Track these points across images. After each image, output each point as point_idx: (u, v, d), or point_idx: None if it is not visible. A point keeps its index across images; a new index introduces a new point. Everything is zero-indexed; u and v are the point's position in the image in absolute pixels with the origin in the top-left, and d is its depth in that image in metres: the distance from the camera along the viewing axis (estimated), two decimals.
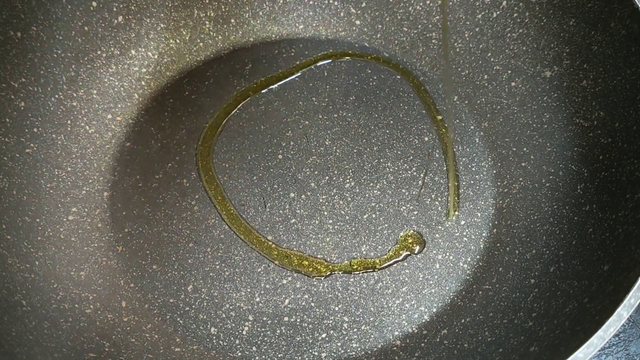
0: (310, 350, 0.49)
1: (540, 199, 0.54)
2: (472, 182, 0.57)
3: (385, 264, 0.53)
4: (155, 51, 0.64)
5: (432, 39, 0.65)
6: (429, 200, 0.56)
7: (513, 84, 0.60)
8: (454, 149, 0.59)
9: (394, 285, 0.52)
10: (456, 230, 0.55)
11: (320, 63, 0.65)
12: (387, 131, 0.61)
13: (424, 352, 0.48)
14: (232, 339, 0.50)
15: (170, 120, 0.62)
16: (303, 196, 0.57)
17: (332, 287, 0.52)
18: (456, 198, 0.56)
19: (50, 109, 0.57)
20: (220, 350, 0.49)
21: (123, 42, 0.62)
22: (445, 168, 0.58)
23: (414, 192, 0.57)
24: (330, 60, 0.65)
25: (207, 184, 0.58)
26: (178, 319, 0.51)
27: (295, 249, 0.54)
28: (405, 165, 0.59)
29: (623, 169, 0.48)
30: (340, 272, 0.53)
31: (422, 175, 0.58)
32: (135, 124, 0.61)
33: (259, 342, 0.50)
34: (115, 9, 0.61)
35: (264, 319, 0.51)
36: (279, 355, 0.49)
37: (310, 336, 0.50)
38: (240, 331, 0.50)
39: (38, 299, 0.47)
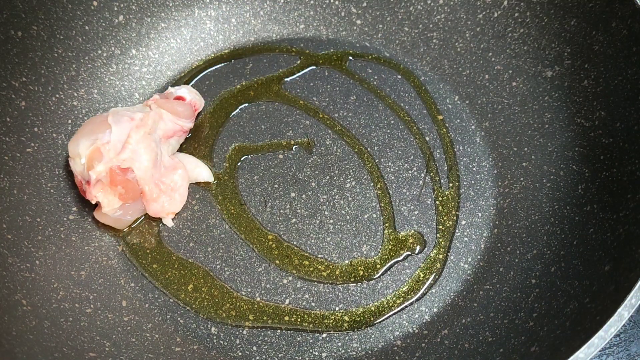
0: (311, 350, 0.49)
1: (541, 199, 0.54)
2: (472, 182, 0.57)
3: (386, 264, 0.53)
4: (156, 50, 0.64)
5: (433, 39, 0.65)
6: (430, 200, 0.56)
7: (514, 83, 0.60)
8: (455, 149, 0.59)
9: (394, 285, 0.52)
10: (457, 230, 0.55)
11: (321, 63, 0.65)
12: (388, 131, 0.61)
13: (425, 352, 0.48)
14: (232, 338, 0.50)
15: None
16: (304, 196, 0.57)
17: (333, 287, 0.52)
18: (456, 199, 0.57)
19: (51, 109, 0.57)
20: (221, 350, 0.49)
21: (124, 42, 0.62)
22: (446, 168, 0.58)
23: (414, 192, 0.57)
24: (331, 60, 0.65)
25: (208, 184, 0.58)
26: (178, 319, 0.50)
27: (296, 248, 0.54)
28: (406, 165, 0.58)
29: (624, 169, 0.48)
30: (340, 272, 0.53)
31: (422, 175, 0.58)
32: None
33: (259, 342, 0.50)
34: (115, 9, 0.61)
35: (265, 318, 0.51)
36: (280, 355, 0.49)
37: (311, 336, 0.50)
38: (240, 331, 0.50)
39: (38, 299, 0.47)
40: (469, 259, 0.53)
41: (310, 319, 0.51)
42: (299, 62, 0.65)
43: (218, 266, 0.53)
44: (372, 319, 0.50)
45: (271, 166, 0.59)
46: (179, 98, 0.57)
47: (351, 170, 0.58)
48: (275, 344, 0.49)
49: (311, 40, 0.67)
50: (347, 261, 0.53)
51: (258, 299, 0.52)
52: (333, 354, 0.49)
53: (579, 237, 0.49)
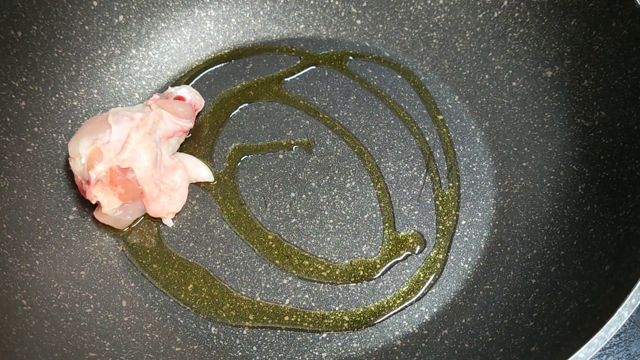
0: (311, 350, 0.49)
1: (541, 199, 0.54)
2: (473, 182, 0.57)
3: (386, 264, 0.53)
4: (156, 50, 0.64)
5: (433, 39, 0.65)
6: (430, 200, 0.56)
7: (514, 83, 0.60)
8: (455, 149, 0.59)
9: (394, 285, 0.52)
10: (457, 230, 0.55)
11: (321, 63, 0.65)
12: (388, 131, 0.61)
13: (425, 352, 0.48)
14: (232, 338, 0.50)
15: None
16: (304, 196, 0.57)
17: (333, 287, 0.52)
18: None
19: (51, 109, 0.57)
20: (221, 350, 0.49)
21: (124, 42, 0.62)
22: (446, 168, 0.58)
23: (414, 192, 0.57)
24: (331, 60, 0.65)
25: (208, 184, 0.58)
26: (178, 319, 0.50)
27: (296, 248, 0.54)
28: (406, 165, 0.58)
29: (624, 169, 0.48)
30: (340, 272, 0.53)
31: (422, 175, 0.58)
32: None
33: (259, 341, 0.50)
34: (115, 9, 0.61)
35: (265, 318, 0.51)
36: (280, 355, 0.49)
37: (311, 336, 0.50)
38: (240, 331, 0.50)
39: (38, 299, 0.47)
40: (469, 259, 0.53)
41: (310, 319, 0.51)
42: (299, 62, 0.65)
43: (218, 266, 0.53)
44: (372, 319, 0.50)
45: (271, 166, 0.59)
46: (179, 98, 0.57)
47: (351, 170, 0.58)
48: (275, 344, 0.49)
49: (311, 40, 0.67)
50: (347, 261, 0.53)
51: (258, 299, 0.52)
52: (333, 354, 0.49)
53: (579, 237, 0.49)
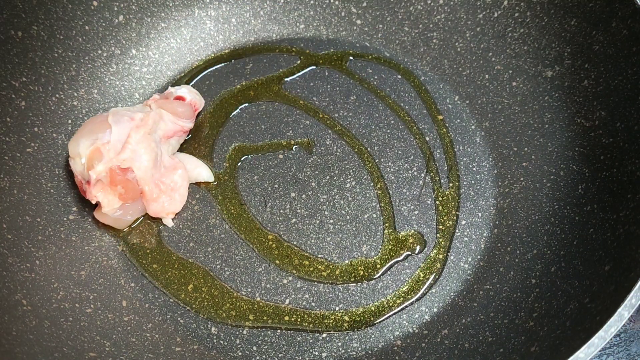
0: (311, 350, 0.49)
1: (542, 199, 0.54)
2: (473, 182, 0.57)
3: (386, 264, 0.53)
4: (156, 50, 0.64)
5: (433, 39, 0.65)
6: (430, 200, 0.56)
7: (514, 83, 0.60)
8: (455, 149, 0.59)
9: (394, 285, 0.52)
10: (457, 230, 0.55)
11: (321, 63, 0.65)
12: (388, 131, 0.61)
13: (425, 352, 0.48)
14: (232, 338, 0.50)
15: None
16: (304, 196, 0.57)
17: (333, 287, 0.52)
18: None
19: (51, 109, 0.57)
20: (221, 349, 0.49)
21: (124, 42, 0.62)
22: (446, 168, 0.58)
23: (414, 192, 0.57)
24: (331, 60, 0.65)
25: (208, 184, 0.58)
26: (178, 319, 0.51)
27: (296, 248, 0.54)
28: (406, 165, 0.58)
29: (624, 169, 0.48)
30: (340, 272, 0.53)
31: (422, 175, 0.58)
32: None
33: (259, 341, 0.50)
34: (115, 9, 0.61)
35: (265, 318, 0.51)
36: (280, 355, 0.49)
37: (311, 336, 0.50)
38: (240, 331, 0.50)
39: (39, 299, 0.47)
40: (469, 259, 0.53)
41: (310, 319, 0.51)
42: (299, 62, 0.65)
43: (218, 266, 0.53)
44: (372, 319, 0.50)
45: (271, 166, 0.59)
46: (179, 98, 0.57)
47: (351, 170, 0.58)
48: (275, 344, 0.49)
49: (311, 40, 0.67)
50: (347, 261, 0.53)
51: (258, 299, 0.52)
52: (333, 354, 0.49)
53: (579, 237, 0.49)
